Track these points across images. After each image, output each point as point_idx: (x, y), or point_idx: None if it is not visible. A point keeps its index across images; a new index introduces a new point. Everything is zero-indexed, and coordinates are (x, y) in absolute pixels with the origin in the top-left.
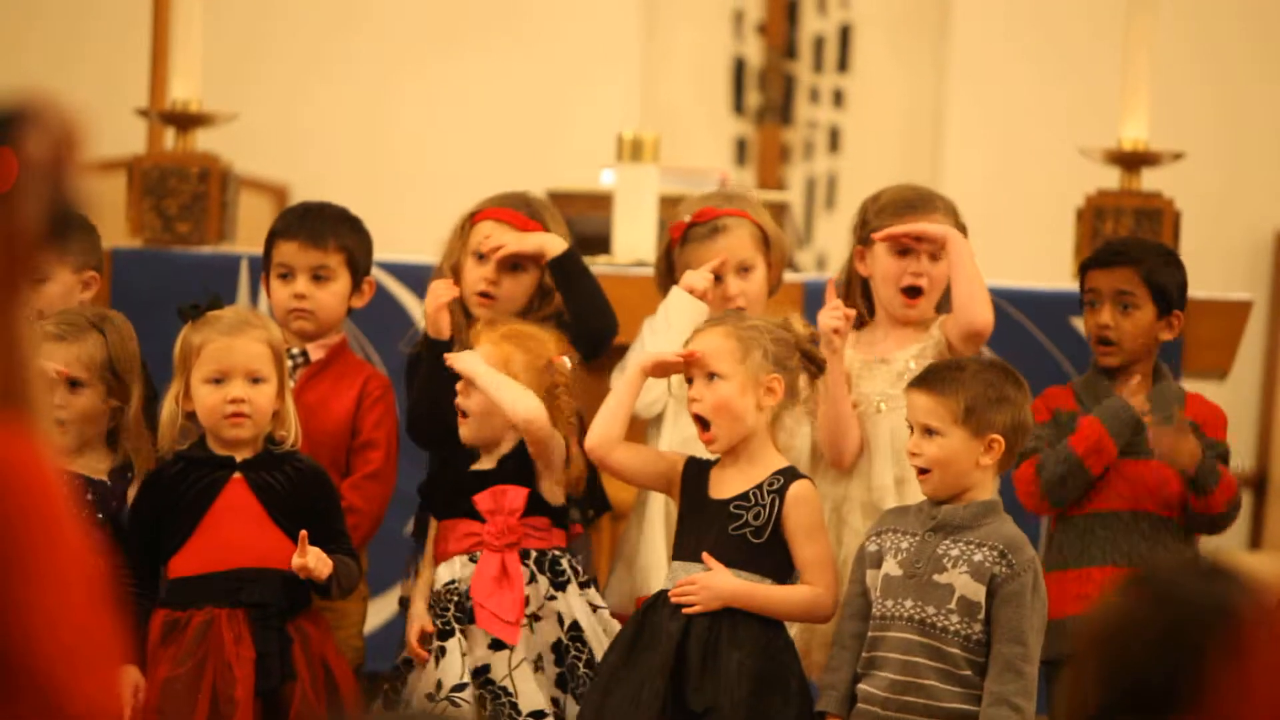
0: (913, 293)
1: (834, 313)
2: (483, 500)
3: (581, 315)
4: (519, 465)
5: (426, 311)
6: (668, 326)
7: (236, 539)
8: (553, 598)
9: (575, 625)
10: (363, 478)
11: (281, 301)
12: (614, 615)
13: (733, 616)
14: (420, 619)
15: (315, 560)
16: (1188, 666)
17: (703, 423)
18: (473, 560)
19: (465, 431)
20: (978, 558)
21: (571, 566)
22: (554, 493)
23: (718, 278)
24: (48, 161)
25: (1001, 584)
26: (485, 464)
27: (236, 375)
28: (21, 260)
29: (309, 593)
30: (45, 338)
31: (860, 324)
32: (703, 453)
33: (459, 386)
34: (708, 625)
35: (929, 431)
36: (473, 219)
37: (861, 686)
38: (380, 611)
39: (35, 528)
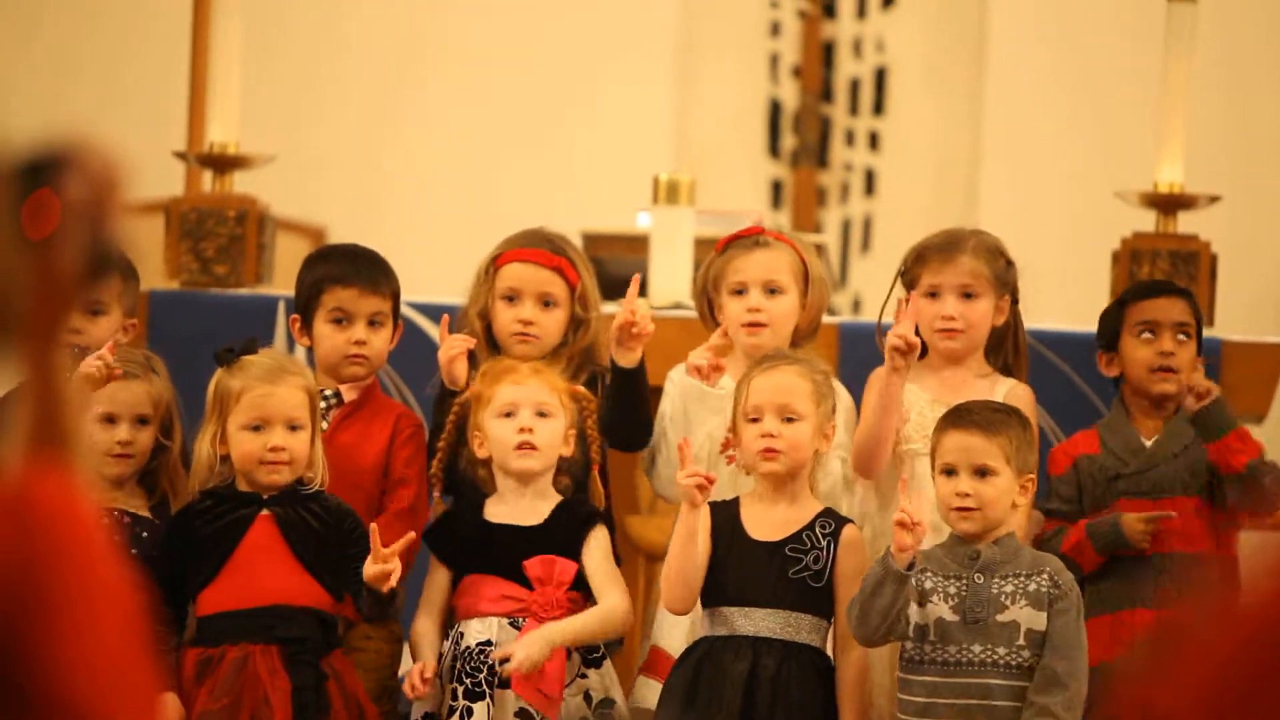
0: (947, 332)
1: (904, 332)
2: (533, 567)
3: (617, 424)
4: (566, 531)
5: (440, 362)
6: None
7: (267, 576)
8: (583, 675)
9: (605, 702)
10: (394, 515)
11: (338, 347)
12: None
13: (800, 652)
14: (428, 659)
15: (393, 565)
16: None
17: (773, 451)
18: (513, 624)
19: (535, 464)
20: (1032, 587)
21: (606, 644)
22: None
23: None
24: (88, 204)
25: (1054, 602)
26: (522, 518)
27: (276, 423)
28: (62, 303)
29: (338, 632)
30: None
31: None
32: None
33: (535, 409)
34: (777, 662)
35: (981, 472)
36: (496, 262)
37: None
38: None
39: (73, 567)
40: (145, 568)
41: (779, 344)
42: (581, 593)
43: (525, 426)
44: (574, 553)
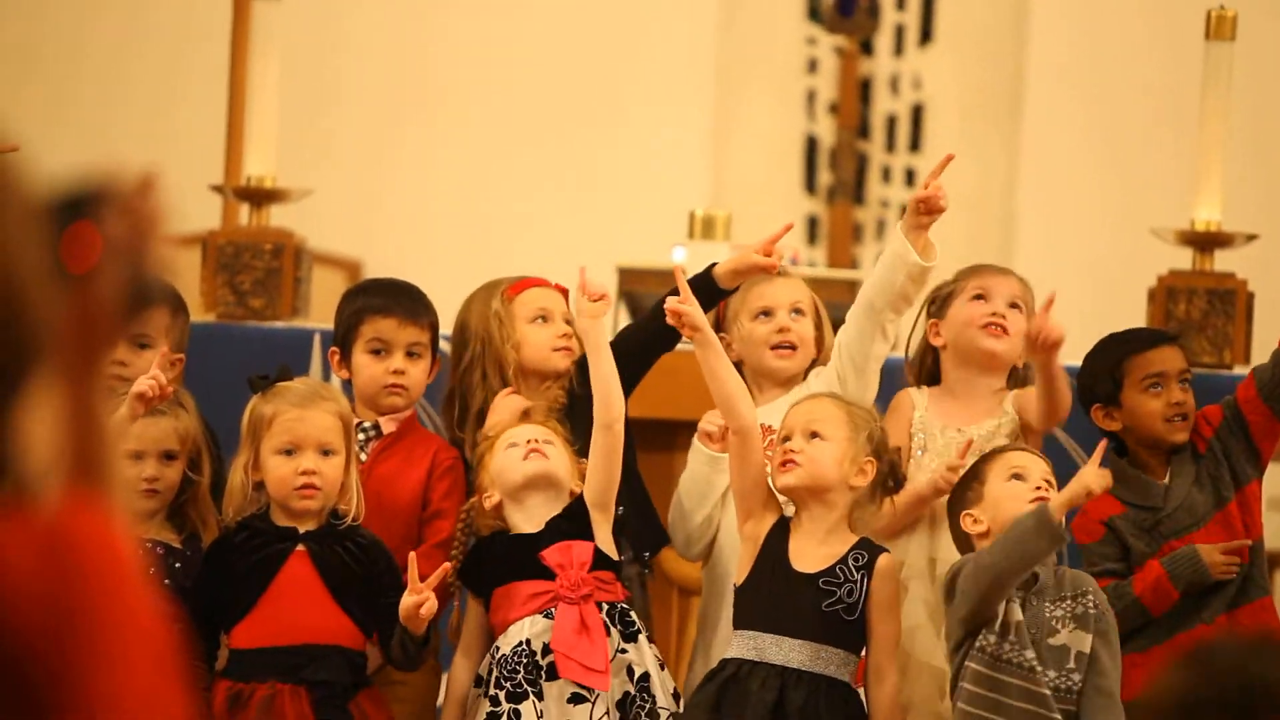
0: (994, 329)
1: (952, 466)
2: (551, 555)
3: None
4: (569, 525)
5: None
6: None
7: (300, 614)
8: (624, 650)
9: (644, 677)
10: (432, 547)
11: (376, 377)
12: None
13: (829, 685)
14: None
15: (427, 595)
16: None
17: (790, 464)
18: (546, 616)
19: (540, 466)
20: (1080, 610)
21: (641, 616)
22: (610, 546)
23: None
24: (128, 238)
25: (1098, 622)
26: (529, 526)
27: (308, 447)
28: (102, 337)
29: (366, 672)
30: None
31: (933, 382)
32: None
33: (537, 434)
34: (806, 695)
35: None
36: (507, 293)
37: None
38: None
39: (109, 601)
40: (178, 598)
41: (804, 367)
42: (610, 571)
43: (531, 438)
44: (587, 532)
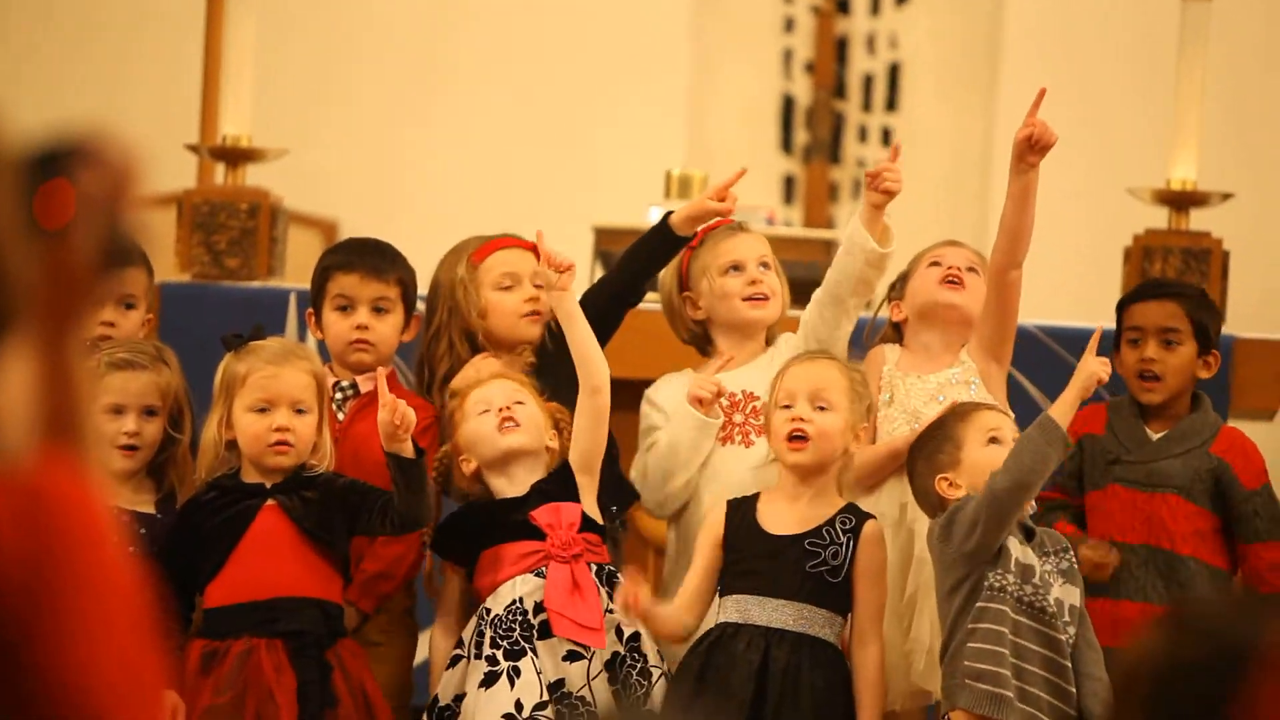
0: (952, 284)
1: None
2: (541, 515)
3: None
4: (553, 489)
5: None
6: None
7: (272, 568)
8: (612, 611)
9: (635, 636)
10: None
11: (342, 334)
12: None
13: (812, 645)
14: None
15: (404, 407)
16: (1228, 703)
17: (799, 438)
18: (537, 575)
19: (518, 440)
20: (1064, 565)
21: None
22: (595, 510)
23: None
24: (103, 196)
25: (1076, 578)
26: (513, 491)
27: (282, 404)
28: (76, 296)
29: (343, 622)
30: (121, 365)
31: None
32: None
33: (510, 400)
34: (789, 653)
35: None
36: (473, 258)
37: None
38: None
39: (83, 560)
40: (149, 563)
41: (777, 318)
42: (598, 535)
43: (503, 406)
44: (572, 494)
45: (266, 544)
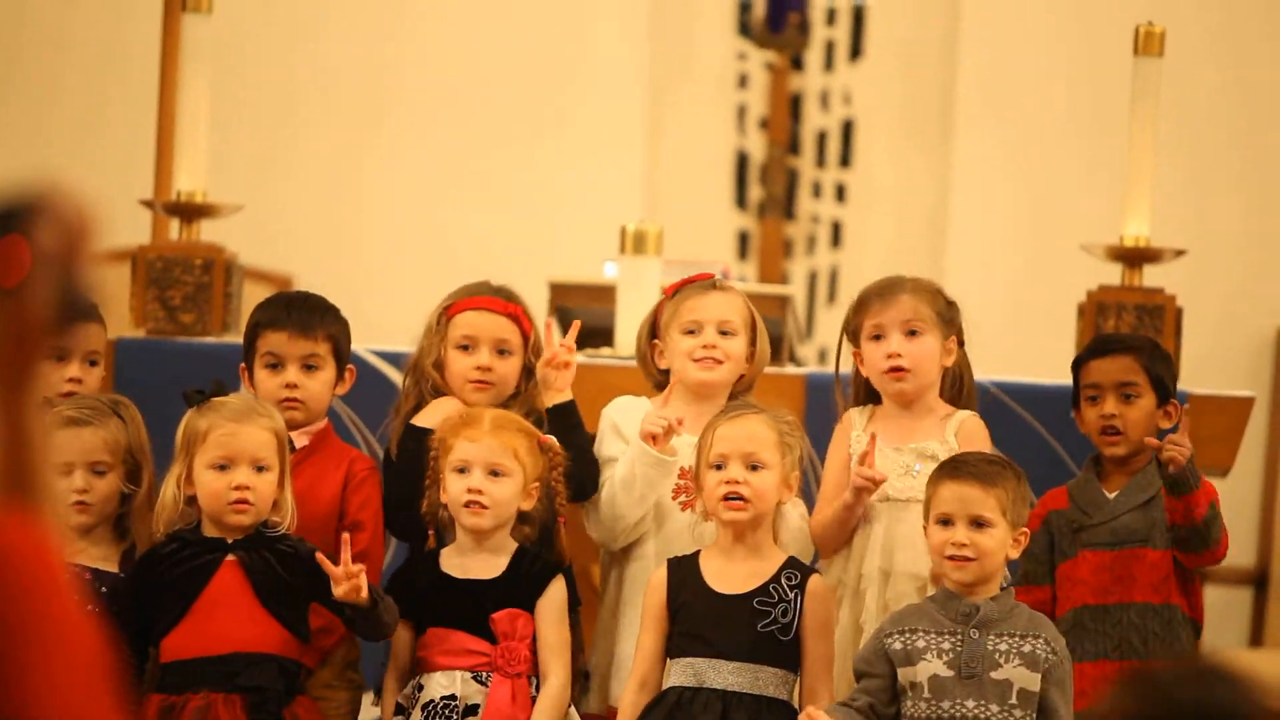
0: (895, 372)
1: (872, 475)
2: (500, 622)
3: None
4: (526, 583)
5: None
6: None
7: (230, 623)
8: None
9: None
10: (350, 559)
11: (271, 391)
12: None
13: (769, 705)
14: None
15: (356, 575)
16: None
17: (736, 498)
18: (477, 679)
19: (484, 522)
20: (1027, 648)
21: (576, 675)
22: None
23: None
24: (59, 252)
25: (1051, 670)
26: (481, 571)
27: (242, 462)
28: (31, 350)
29: (299, 679)
30: (67, 423)
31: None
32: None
33: (488, 467)
34: (747, 716)
35: (978, 524)
36: (449, 312)
37: None
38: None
39: (41, 611)
40: (105, 621)
41: (729, 383)
42: None
43: (474, 486)
44: (532, 604)
45: (225, 599)
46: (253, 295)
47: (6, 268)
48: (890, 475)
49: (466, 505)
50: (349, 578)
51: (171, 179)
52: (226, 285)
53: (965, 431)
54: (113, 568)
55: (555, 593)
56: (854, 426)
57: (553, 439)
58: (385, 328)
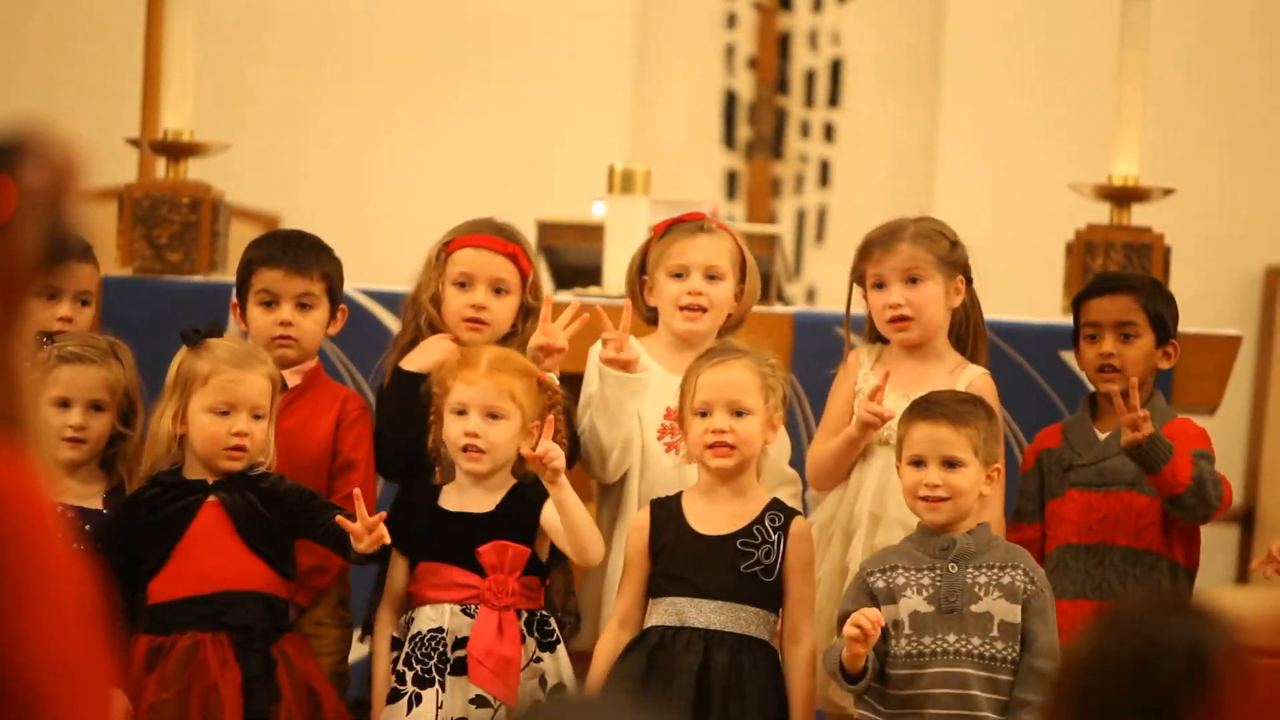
0: (898, 321)
1: (880, 410)
2: (487, 554)
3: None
4: (519, 516)
5: (428, 368)
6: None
7: (215, 563)
8: (538, 659)
9: (558, 687)
10: (343, 499)
11: (265, 329)
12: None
13: (751, 644)
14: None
15: (376, 526)
16: (1157, 707)
17: (722, 445)
18: (465, 612)
19: (481, 467)
20: (1006, 580)
21: (559, 622)
22: (545, 552)
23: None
24: (46, 191)
25: (1030, 600)
26: (475, 505)
27: (242, 409)
28: (18, 287)
29: (288, 616)
30: (71, 359)
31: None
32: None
33: (486, 410)
34: (729, 655)
35: (950, 463)
36: (448, 248)
37: None
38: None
39: (28, 550)
40: (91, 559)
41: (713, 330)
42: (538, 578)
43: (471, 430)
44: (528, 537)
45: (209, 539)
46: (240, 234)
47: None
48: (894, 420)
49: (464, 450)
50: (369, 530)
51: (158, 118)
52: (214, 224)
53: (974, 390)
54: (97, 505)
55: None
56: (862, 365)
57: (552, 377)
58: (373, 267)
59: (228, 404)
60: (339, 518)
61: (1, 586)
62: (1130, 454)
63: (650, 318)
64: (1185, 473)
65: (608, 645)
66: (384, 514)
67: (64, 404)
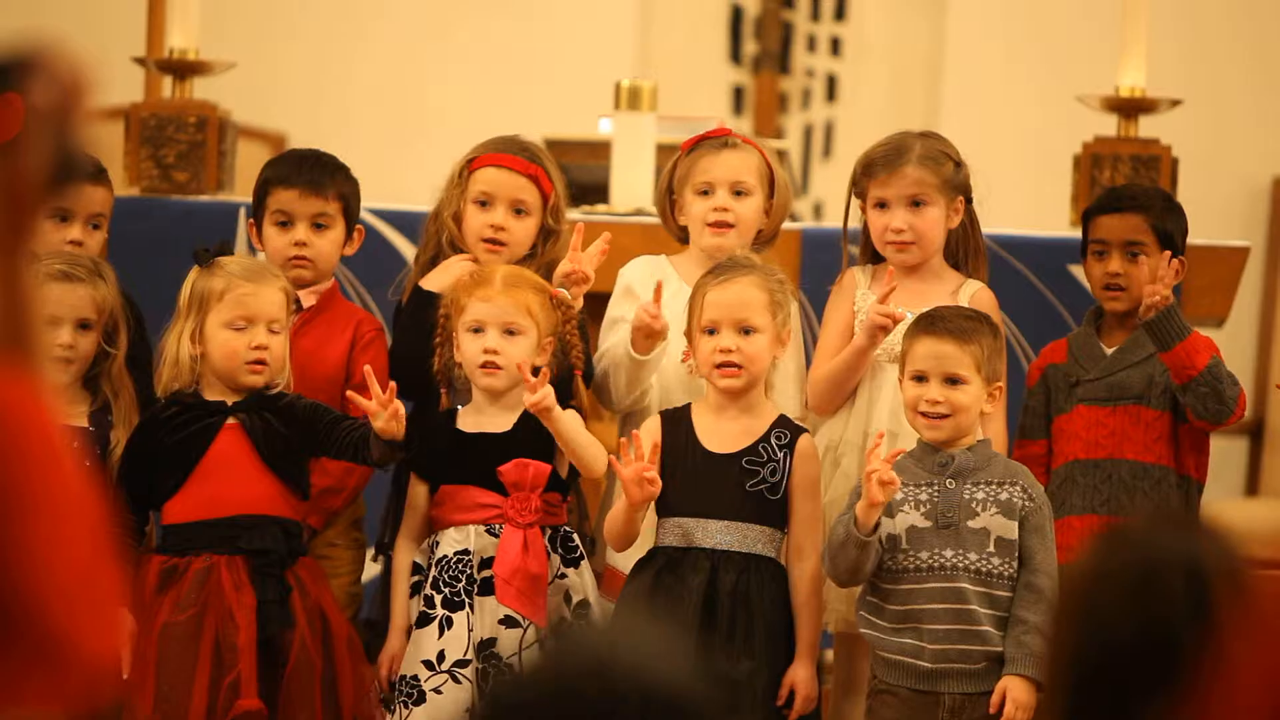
0: (899, 244)
1: (889, 312)
2: (509, 471)
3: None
4: (537, 433)
5: (446, 288)
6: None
7: (233, 486)
8: (563, 575)
9: (584, 603)
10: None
11: (280, 249)
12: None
13: (758, 563)
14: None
15: (389, 401)
16: (1157, 623)
17: (732, 366)
18: (489, 532)
19: (499, 383)
20: (1004, 496)
21: (583, 540)
22: (565, 468)
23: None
24: (53, 109)
25: (1028, 517)
26: (493, 425)
27: (260, 323)
28: (26, 207)
29: (303, 541)
30: (60, 277)
31: (875, 261)
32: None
33: (503, 326)
34: (736, 574)
35: (952, 380)
36: (470, 165)
37: (901, 640)
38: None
39: (35, 469)
40: (96, 475)
41: (743, 246)
42: (559, 494)
43: (490, 347)
44: (547, 454)
45: (227, 462)
46: (247, 153)
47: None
48: (895, 338)
49: (482, 366)
50: (384, 405)
51: (164, 36)
52: (220, 143)
53: (976, 304)
54: (83, 423)
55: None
56: (858, 285)
57: (564, 292)
58: (380, 186)
59: (245, 318)
60: (350, 393)
61: (9, 506)
62: (1147, 327)
63: (680, 237)
64: (1203, 357)
65: (619, 513)
66: (394, 385)
67: (52, 323)
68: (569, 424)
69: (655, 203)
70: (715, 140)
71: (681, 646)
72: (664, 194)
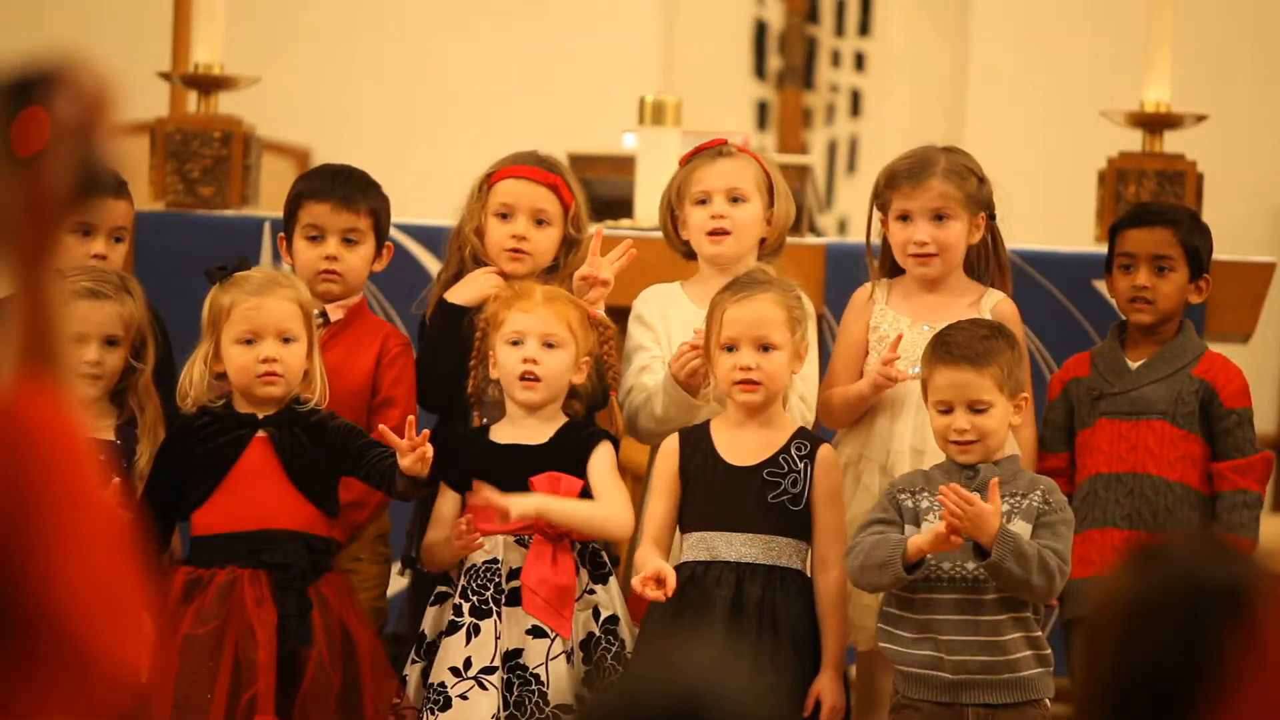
0: (921, 257)
1: (895, 375)
2: (540, 484)
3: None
4: (572, 448)
5: (471, 301)
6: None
7: (259, 499)
8: (591, 591)
9: (612, 619)
10: (381, 436)
11: (310, 263)
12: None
13: (783, 575)
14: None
15: (421, 443)
16: (1197, 647)
17: (751, 383)
18: (519, 543)
19: (537, 395)
20: (1025, 504)
21: (611, 558)
22: None
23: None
24: (78, 123)
25: (1042, 515)
26: (528, 437)
27: (268, 335)
28: (51, 221)
29: (328, 556)
30: (86, 294)
31: (893, 274)
32: None
33: (542, 338)
34: (761, 586)
35: (976, 408)
36: (490, 179)
37: (920, 652)
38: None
39: (63, 483)
40: (127, 488)
41: (742, 253)
42: None
43: (529, 357)
44: (579, 470)
45: (255, 475)
46: (271, 168)
47: (24, 138)
48: (915, 351)
49: (521, 378)
50: (414, 448)
51: (189, 51)
52: (245, 158)
53: (998, 315)
54: (109, 436)
55: (603, 452)
56: (876, 301)
57: (602, 313)
58: (404, 200)
59: (251, 332)
60: (381, 427)
61: (37, 520)
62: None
63: (685, 253)
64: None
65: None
66: (428, 431)
67: (79, 340)
68: (567, 513)
69: (660, 219)
70: (710, 150)
71: (755, 675)
72: (666, 212)
